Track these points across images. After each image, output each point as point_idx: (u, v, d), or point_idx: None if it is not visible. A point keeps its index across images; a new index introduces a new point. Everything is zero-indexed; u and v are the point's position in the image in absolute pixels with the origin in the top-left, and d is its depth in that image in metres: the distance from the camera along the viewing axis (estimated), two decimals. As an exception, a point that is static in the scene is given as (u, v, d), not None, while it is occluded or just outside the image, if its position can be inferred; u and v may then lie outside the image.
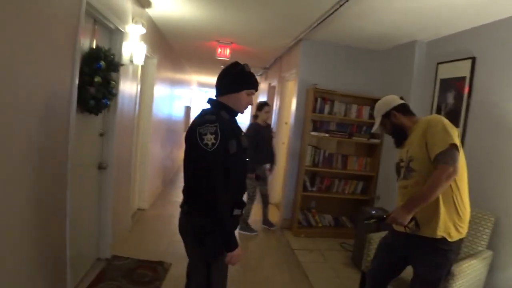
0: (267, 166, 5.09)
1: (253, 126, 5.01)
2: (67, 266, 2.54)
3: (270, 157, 5.04)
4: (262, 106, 5.00)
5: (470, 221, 2.94)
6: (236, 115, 2.10)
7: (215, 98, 2.10)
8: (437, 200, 2.15)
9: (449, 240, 2.17)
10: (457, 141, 2.09)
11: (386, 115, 2.42)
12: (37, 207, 2.07)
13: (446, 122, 2.17)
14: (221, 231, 1.91)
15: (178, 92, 8.54)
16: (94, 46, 2.82)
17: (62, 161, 2.36)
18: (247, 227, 4.91)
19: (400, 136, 2.42)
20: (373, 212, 3.22)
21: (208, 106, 2.08)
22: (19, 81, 1.78)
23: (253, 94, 2.11)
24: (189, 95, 11.65)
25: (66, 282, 2.56)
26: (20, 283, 1.94)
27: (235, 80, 2.04)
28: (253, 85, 2.09)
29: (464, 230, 2.24)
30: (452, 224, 2.18)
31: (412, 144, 2.29)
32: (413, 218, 2.16)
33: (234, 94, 2.04)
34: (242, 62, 2.08)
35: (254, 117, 5.06)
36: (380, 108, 2.46)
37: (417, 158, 2.23)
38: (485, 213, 3.01)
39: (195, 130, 1.87)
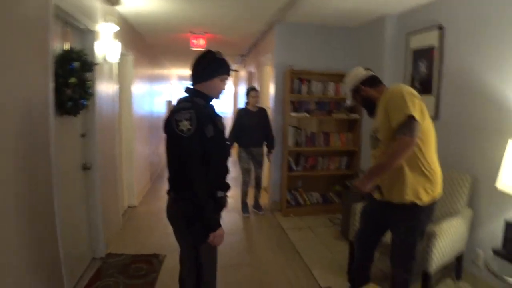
0: (264, 150, 5.12)
1: (238, 111, 5.17)
2: (62, 267, 2.59)
3: (259, 141, 5.05)
4: (248, 91, 5.11)
5: (449, 182, 3.11)
6: (211, 101, 2.16)
7: (191, 86, 2.16)
8: (402, 167, 2.25)
9: (420, 204, 2.28)
10: (416, 110, 2.15)
11: (355, 90, 2.52)
12: (25, 211, 2.10)
13: (406, 91, 2.22)
14: (201, 213, 1.97)
15: (158, 88, 8.52)
16: (67, 48, 2.83)
17: (46, 164, 2.39)
18: (243, 207, 5.20)
19: (371, 107, 2.49)
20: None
21: (185, 94, 2.15)
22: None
23: (226, 79, 2.18)
24: (169, 89, 11.62)
25: (63, 283, 2.61)
26: (17, 285, 1.99)
27: (208, 68, 2.11)
28: (226, 71, 2.16)
29: (435, 192, 2.34)
30: (422, 188, 2.28)
31: (378, 115, 2.39)
32: (377, 186, 2.29)
33: (208, 81, 2.10)
34: (217, 51, 2.15)
35: (246, 103, 5.15)
36: (349, 83, 2.55)
37: (382, 129, 2.33)
38: (464, 174, 3.13)
39: (172, 118, 1.94)
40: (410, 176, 2.27)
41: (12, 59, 1.97)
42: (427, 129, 2.29)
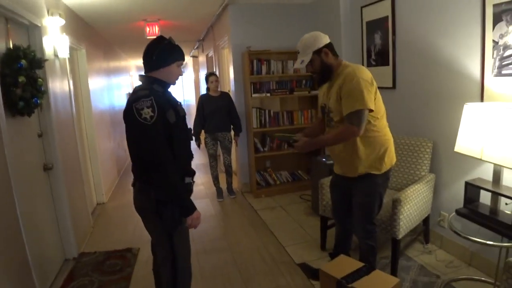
0: (232, 135, 5.11)
1: (200, 97, 5.13)
2: (32, 271, 2.53)
3: (224, 126, 5.01)
4: (207, 76, 5.07)
5: (411, 149, 3.25)
6: (169, 87, 2.14)
7: (144, 74, 2.12)
8: (356, 145, 2.38)
9: (378, 173, 2.43)
10: (370, 99, 2.24)
11: (317, 52, 2.36)
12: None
13: (362, 79, 2.24)
14: (176, 199, 1.99)
15: (116, 81, 8.30)
16: (11, 46, 2.71)
17: (3, 167, 2.31)
18: (217, 192, 5.27)
19: (327, 76, 2.44)
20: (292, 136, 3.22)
21: (139, 83, 2.11)
22: None
23: (181, 65, 2.16)
24: (129, 81, 11.35)
25: (35, 287, 2.56)
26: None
27: (164, 54, 2.06)
28: (181, 56, 2.14)
29: (391, 160, 2.50)
30: (378, 160, 2.42)
31: (331, 95, 2.42)
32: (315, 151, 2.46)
33: (164, 68, 2.07)
34: (174, 38, 2.13)
35: (207, 89, 5.12)
36: (311, 44, 2.37)
37: (335, 110, 2.40)
38: (424, 140, 3.24)
39: (131, 107, 1.90)
40: (363, 152, 2.39)
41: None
42: (379, 106, 2.39)
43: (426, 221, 3.31)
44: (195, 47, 9.13)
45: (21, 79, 2.57)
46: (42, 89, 2.92)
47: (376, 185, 2.46)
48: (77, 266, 3.40)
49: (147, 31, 5.64)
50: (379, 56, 3.95)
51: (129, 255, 3.55)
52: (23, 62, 2.61)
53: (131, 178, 2.18)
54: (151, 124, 1.87)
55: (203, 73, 8.80)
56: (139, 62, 11.17)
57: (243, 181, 5.45)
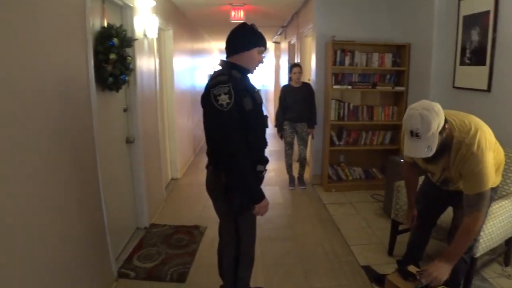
0: (305, 126, 5.05)
1: (282, 88, 5.17)
2: (107, 236, 2.71)
3: (303, 117, 4.98)
4: (291, 67, 5.06)
5: None
6: (248, 73, 2.13)
7: (225, 59, 2.13)
8: None
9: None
10: (491, 181, 2.00)
11: (440, 132, 1.89)
12: (71, 185, 2.19)
13: (485, 165, 1.96)
14: (245, 187, 2.01)
15: (199, 62, 8.55)
16: (105, 25, 2.87)
17: (89, 139, 2.47)
18: (290, 180, 5.30)
19: (442, 153, 2.01)
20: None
21: (219, 68, 2.13)
22: (34, 65, 1.84)
23: (263, 52, 2.15)
24: (211, 63, 11.64)
25: (108, 251, 2.74)
26: (64, 252, 2.10)
27: (246, 39, 2.08)
28: (263, 42, 2.13)
29: (499, 180, 2.31)
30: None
31: (449, 169, 2.15)
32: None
33: (245, 52, 2.08)
34: (258, 23, 2.16)
35: (289, 79, 5.13)
36: (434, 123, 1.84)
37: (454, 177, 2.18)
38: (516, 153, 2.92)
39: (209, 92, 1.92)
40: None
41: (51, 38, 2.01)
42: (497, 146, 2.19)
43: (509, 242, 2.99)
44: (278, 33, 9.09)
45: (112, 56, 2.72)
46: (131, 67, 3.07)
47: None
48: (147, 235, 3.59)
49: (232, 15, 5.70)
50: (475, 55, 3.61)
51: (196, 232, 3.67)
52: (115, 40, 2.75)
53: (205, 158, 2.23)
54: (226, 111, 1.88)
55: (284, 60, 8.76)
56: (222, 44, 11.46)
57: (314, 173, 5.36)
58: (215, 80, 1.96)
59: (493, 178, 2.03)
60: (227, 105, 1.88)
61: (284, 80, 8.28)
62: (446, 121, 1.92)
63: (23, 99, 1.73)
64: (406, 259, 2.68)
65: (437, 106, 1.89)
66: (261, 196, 2.05)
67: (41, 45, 1.91)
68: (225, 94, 1.88)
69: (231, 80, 1.94)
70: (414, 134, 1.86)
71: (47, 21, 1.98)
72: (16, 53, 1.69)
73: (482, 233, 2.51)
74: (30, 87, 1.79)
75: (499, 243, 2.79)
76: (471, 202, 1.99)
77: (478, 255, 2.57)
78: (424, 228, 2.66)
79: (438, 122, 1.85)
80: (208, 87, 1.95)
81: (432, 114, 1.83)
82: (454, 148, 2.01)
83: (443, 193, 2.40)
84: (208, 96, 1.92)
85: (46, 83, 1.94)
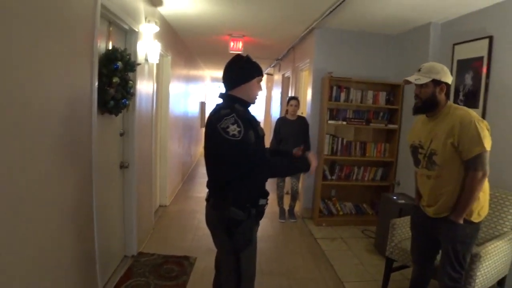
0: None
1: (277, 120, 5.20)
2: (96, 263, 2.61)
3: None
4: (289, 100, 5.10)
5: (494, 202, 2.97)
6: (249, 106, 2.14)
7: (226, 92, 2.13)
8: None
9: (476, 221, 2.26)
10: (487, 143, 2.14)
11: (436, 82, 2.26)
12: (66, 208, 2.12)
13: (478, 120, 2.16)
14: (294, 172, 2.36)
15: (192, 88, 8.58)
16: (110, 47, 2.86)
17: (87, 163, 2.42)
18: (280, 213, 5.24)
19: (428, 108, 2.33)
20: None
21: (220, 101, 2.13)
22: (40, 84, 1.81)
23: (261, 80, 2.18)
24: (203, 90, 11.70)
25: (96, 280, 2.63)
26: (56, 279, 2.01)
27: (245, 71, 2.10)
28: (261, 71, 2.17)
29: (484, 213, 2.32)
30: (476, 209, 2.25)
31: (437, 137, 2.27)
32: None
33: (246, 83, 2.09)
34: (253, 54, 2.21)
35: (285, 111, 5.16)
36: (436, 71, 2.27)
37: (441, 154, 2.25)
38: (509, 193, 2.97)
39: (216, 128, 1.90)
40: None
41: (59, 57, 1.99)
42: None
43: (501, 282, 2.99)
44: (272, 65, 9.21)
45: (115, 79, 2.70)
46: (132, 91, 3.05)
47: (476, 231, 2.30)
48: (135, 264, 3.47)
49: (231, 46, 5.77)
50: (468, 97, 3.71)
51: (186, 263, 3.56)
52: (119, 63, 2.74)
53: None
54: (240, 139, 1.87)
55: (276, 92, 8.84)
56: (215, 73, 11.57)
57: (305, 206, 5.32)
58: (218, 114, 1.95)
59: (488, 142, 2.14)
60: (239, 133, 1.87)
61: (275, 112, 8.33)
62: (446, 92, 2.28)
63: (29, 117, 1.70)
64: None
65: (447, 71, 2.28)
66: (307, 165, 2.16)
67: (52, 64, 1.90)
68: (232, 124, 1.88)
69: (233, 112, 1.93)
70: (418, 69, 2.34)
71: (59, 40, 1.97)
72: (29, 70, 1.68)
73: (478, 273, 2.53)
74: (37, 104, 1.76)
75: (493, 283, 2.80)
76: (469, 165, 2.17)
77: (475, 296, 2.55)
78: (422, 263, 2.63)
79: (440, 74, 2.25)
80: (213, 123, 1.94)
81: (441, 67, 2.28)
82: (442, 116, 2.29)
83: (430, 220, 2.40)
84: (216, 132, 1.91)
85: (49, 101, 1.91)
